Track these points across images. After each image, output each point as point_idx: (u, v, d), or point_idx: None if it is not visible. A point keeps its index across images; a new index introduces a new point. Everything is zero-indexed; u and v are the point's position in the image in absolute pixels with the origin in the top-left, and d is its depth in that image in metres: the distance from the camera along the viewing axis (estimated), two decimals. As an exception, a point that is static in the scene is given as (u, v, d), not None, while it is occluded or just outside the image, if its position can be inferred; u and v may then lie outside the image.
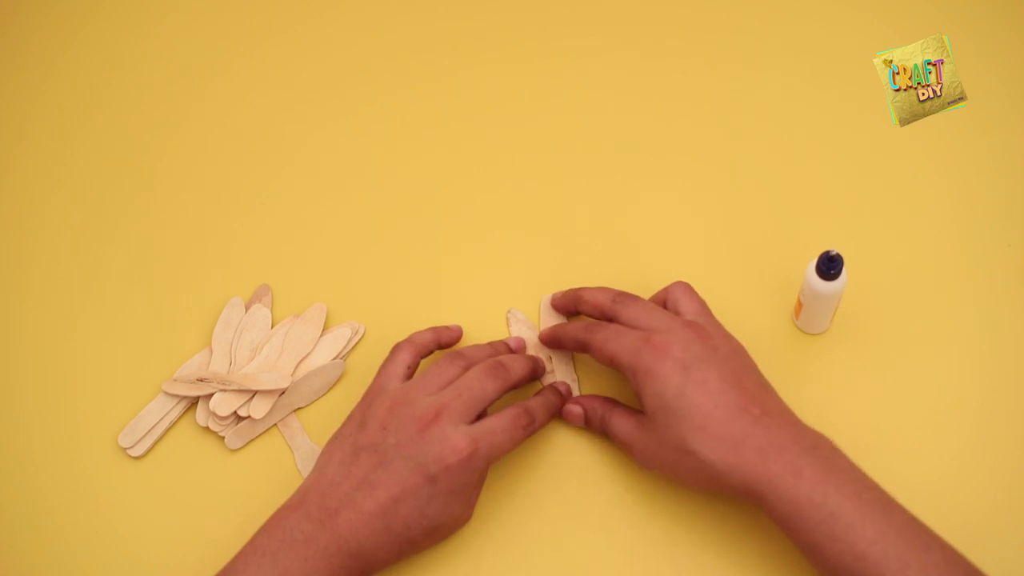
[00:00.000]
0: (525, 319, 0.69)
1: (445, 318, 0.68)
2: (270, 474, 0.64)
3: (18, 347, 0.70)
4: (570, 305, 0.65)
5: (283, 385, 0.65)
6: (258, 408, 0.64)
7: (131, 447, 0.65)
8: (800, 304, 0.64)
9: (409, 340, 0.63)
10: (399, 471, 0.55)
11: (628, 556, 0.60)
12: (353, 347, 0.68)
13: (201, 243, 0.73)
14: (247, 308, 0.69)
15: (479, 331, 0.68)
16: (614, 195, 0.73)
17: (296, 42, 0.82)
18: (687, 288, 0.61)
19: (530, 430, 0.59)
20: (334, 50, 0.81)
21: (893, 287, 0.68)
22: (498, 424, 0.58)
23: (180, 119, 0.79)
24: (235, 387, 0.65)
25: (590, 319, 0.63)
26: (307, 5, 0.83)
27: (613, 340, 0.58)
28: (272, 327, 0.69)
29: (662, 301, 0.62)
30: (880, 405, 0.64)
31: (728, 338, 0.59)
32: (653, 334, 0.57)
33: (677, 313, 0.60)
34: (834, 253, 0.59)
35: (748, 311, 0.67)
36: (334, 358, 0.68)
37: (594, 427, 0.62)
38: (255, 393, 0.65)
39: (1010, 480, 0.61)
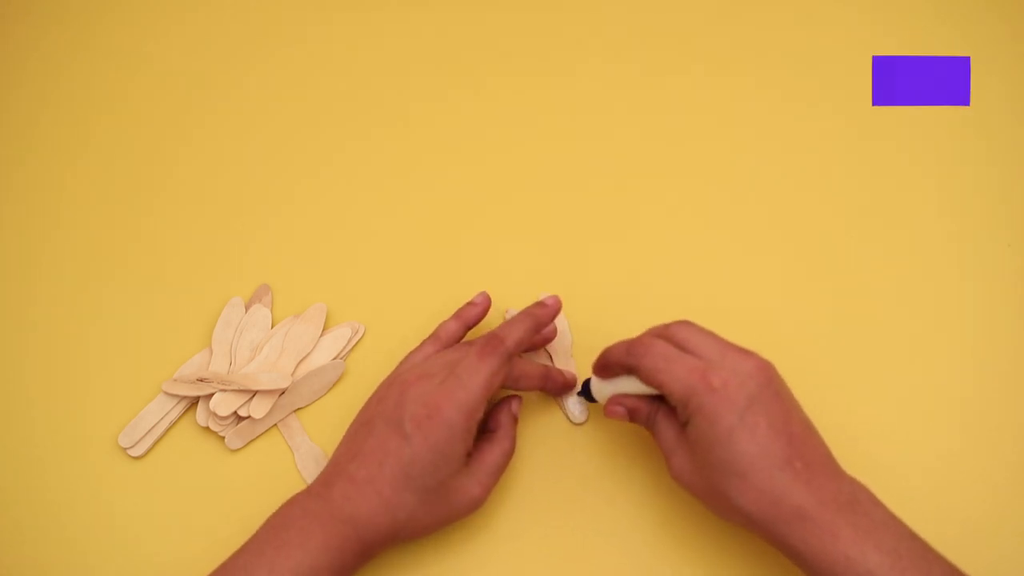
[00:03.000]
0: (523, 317, 0.69)
1: (443, 319, 0.68)
2: (270, 474, 0.64)
3: (19, 347, 0.70)
4: (621, 356, 0.58)
5: (283, 385, 0.65)
6: (258, 408, 0.65)
7: (131, 447, 0.65)
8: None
9: (435, 335, 0.64)
10: (380, 435, 0.56)
11: (637, 557, 0.61)
12: (353, 347, 0.68)
13: (201, 243, 0.73)
14: (247, 308, 0.69)
15: (478, 331, 0.68)
16: (611, 195, 0.73)
17: (297, 45, 0.82)
18: (691, 327, 0.57)
19: (501, 351, 0.57)
20: (334, 52, 0.81)
21: (892, 288, 0.68)
22: (467, 367, 0.57)
23: (181, 121, 0.79)
24: (235, 387, 0.65)
25: (634, 338, 0.58)
26: (308, 10, 0.83)
27: (664, 369, 0.54)
28: (272, 327, 0.69)
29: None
30: (879, 405, 0.64)
31: (774, 370, 0.55)
32: (710, 369, 0.53)
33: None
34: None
35: (744, 308, 0.67)
36: (334, 358, 0.68)
37: (639, 420, 0.59)
38: (255, 393, 0.65)
39: (1009, 480, 0.62)
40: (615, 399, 0.59)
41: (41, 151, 0.78)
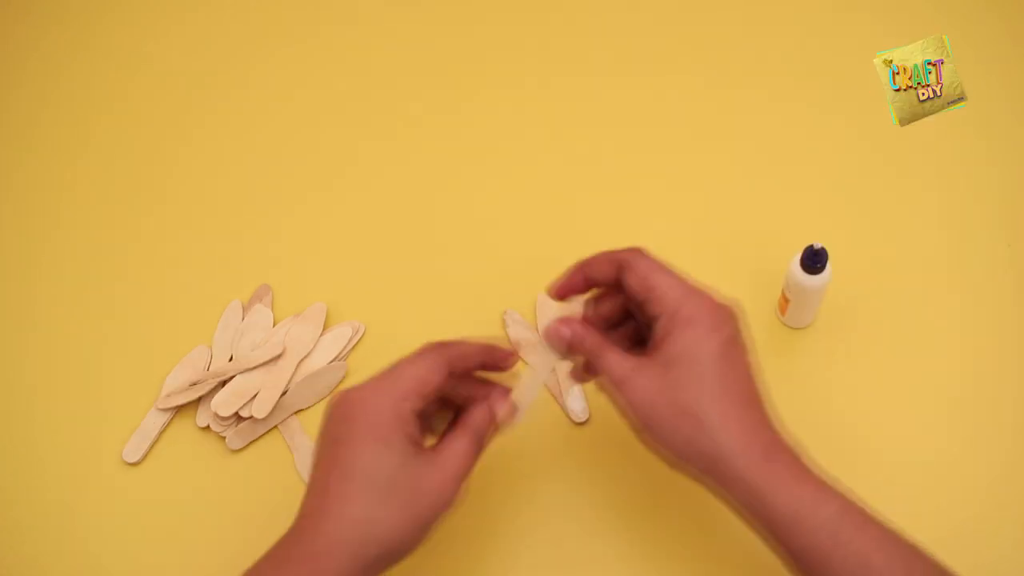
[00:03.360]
0: (521, 319, 0.69)
1: (443, 318, 0.68)
2: (270, 474, 0.64)
3: (19, 348, 0.70)
4: (575, 276, 0.57)
5: (275, 352, 0.65)
6: (260, 408, 0.64)
7: (129, 453, 0.65)
8: (785, 298, 0.64)
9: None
10: (321, 457, 0.53)
11: (637, 556, 0.61)
12: (353, 346, 0.68)
13: (201, 244, 0.73)
14: (248, 308, 0.69)
15: (484, 329, 0.67)
16: (607, 194, 0.73)
17: (298, 47, 0.82)
18: (649, 257, 0.54)
19: (439, 349, 0.54)
20: (335, 54, 0.82)
21: (892, 287, 0.68)
22: (395, 363, 0.54)
23: (180, 122, 0.79)
24: (232, 373, 0.65)
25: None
26: (308, 12, 0.83)
27: (658, 272, 0.53)
28: (273, 326, 0.69)
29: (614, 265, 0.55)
30: (867, 400, 0.64)
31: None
32: (704, 292, 0.53)
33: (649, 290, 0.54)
34: (818, 247, 0.59)
35: (749, 308, 0.67)
36: (334, 358, 0.68)
37: (578, 351, 0.55)
38: (256, 394, 0.65)
39: (998, 475, 0.62)
40: (561, 320, 0.56)
41: (40, 152, 0.78)
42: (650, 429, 0.52)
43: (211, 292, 0.71)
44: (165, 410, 0.66)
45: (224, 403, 0.65)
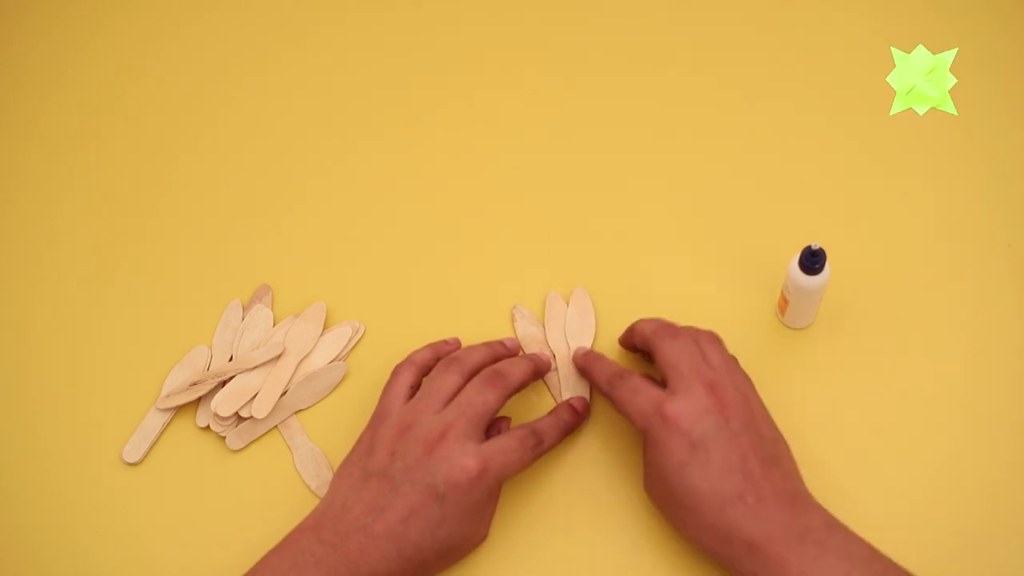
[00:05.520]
0: (531, 315, 0.69)
1: (447, 316, 0.68)
2: (270, 474, 0.64)
3: (19, 348, 0.70)
4: (626, 341, 0.65)
5: (276, 352, 0.65)
6: (260, 408, 0.64)
7: (129, 453, 0.65)
8: (784, 299, 0.64)
9: (408, 360, 0.63)
10: (408, 494, 0.55)
11: (637, 557, 0.60)
12: (354, 346, 0.68)
13: (201, 244, 0.73)
14: (248, 308, 0.69)
15: (484, 328, 0.68)
16: (613, 196, 0.73)
17: (300, 47, 0.82)
18: (714, 339, 0.60)
19: (539, 451, 0.59)
20: (339, 54, 0.81)
21: (891, 285, 0.68)
22: (507, 444, 0.57)
23: (180, 122, 0.79)
24: (232, 373, 0.65)
25: (617, 368, 0.61)
26: (311, 14, 0.83)
27: (629, 402, 0.58)
28: (273, 326, 0.69)
29: (647, 344, 0.61)
30: (867, 400, 0.64)
31: (747, 403, 0.57)
32: (667, 401, 0.56)
33: (661, 373, 0.59)
34: (817, 247, 0.59)
35: (740, 306, 0.67)
36: (334, 358, 0.67)
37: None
38: (256, 394, 0.65)
39: (998, 477, 0.61)
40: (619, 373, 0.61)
41: (42, 151, 0.78)
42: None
43: (211, 292, 0.70)
44: (165, 410, 0.66)
45: (224, 403, 0.65)
